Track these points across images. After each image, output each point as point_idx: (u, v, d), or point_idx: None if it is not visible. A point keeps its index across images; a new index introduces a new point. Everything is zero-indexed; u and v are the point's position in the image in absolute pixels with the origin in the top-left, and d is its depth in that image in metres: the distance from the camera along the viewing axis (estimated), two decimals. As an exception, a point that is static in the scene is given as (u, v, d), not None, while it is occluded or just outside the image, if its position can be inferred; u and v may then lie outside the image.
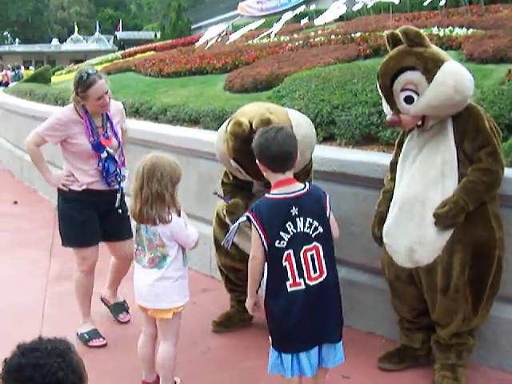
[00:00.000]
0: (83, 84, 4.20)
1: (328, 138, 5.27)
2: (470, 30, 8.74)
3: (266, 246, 3.02)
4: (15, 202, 9.06)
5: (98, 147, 4.30)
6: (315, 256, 3.06)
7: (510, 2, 12.07)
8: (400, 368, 3.94)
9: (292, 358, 3.10)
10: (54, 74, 17.70)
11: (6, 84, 22.30)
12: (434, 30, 9.00)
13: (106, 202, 4.42)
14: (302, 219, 3.02)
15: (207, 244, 5.69)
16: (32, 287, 5.56)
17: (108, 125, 4.42)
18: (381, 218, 3.84)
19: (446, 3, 11.64)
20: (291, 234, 3.01)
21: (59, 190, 4.42)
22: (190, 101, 7.87)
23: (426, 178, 3.57)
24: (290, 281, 3.03)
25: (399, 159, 3.78)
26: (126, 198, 4.35)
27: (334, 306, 3.17)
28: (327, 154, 4.62)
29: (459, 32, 8.66)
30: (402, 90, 3.52)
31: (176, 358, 3.63)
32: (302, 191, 3.08)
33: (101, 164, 4.31)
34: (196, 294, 5.29)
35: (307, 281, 3.04)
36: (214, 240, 4.53)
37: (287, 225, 3.00)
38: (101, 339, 4.42)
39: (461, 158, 3.52)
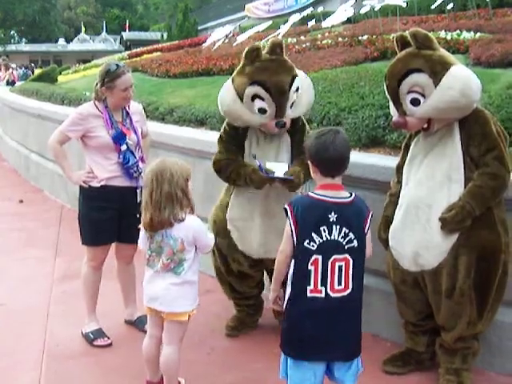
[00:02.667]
0: (112, 74, 4.28)
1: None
2: (478, 34, 8.74)
3: (295, 243, 2.97)
4: (21, 201, 9.07)
5: (118, 138, 4.33)
6: (344, 268, 2.96)
7: (517, 7, 12.05)
8: (404, 371, 3.93)
9: (298, 364, 3.03)
10: (60, 73, 17.74)
11: (13, 83, 22.34)
12: (442, 34, 9.00)
13: (126, 200, 4.40)
14: (338, 227, 2.94)
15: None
16: (37, 286, 5.56)
17: (128, 120, 4.47)
18: (387, 221, 3.83)
19: (453, 7, 11.66)
20: (324, 239, 2.93)
21: (81, 188, 4.45)
22: (196, 102, 7.88)
23: (432, 181, 3.56)
24: (311, 286, 2.95)
25: (406, 162, 3.77)
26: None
27: (352, 324, 3.06)
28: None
29: (467, 36, 8.66)
30: (409, 92, 3.52)
31: (179, 362, 3.63)
32: (346, 199, 3.00)
33: (121, 156, 4.34)
34: (200, 295, 5.26)
35: (329, 291, 2.95)
36: (216, 247, 4.34)
37: (321, 228, 2.93)
38: (106, 339, 4.42)
39: (467, 162, 3.51)
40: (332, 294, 2.95)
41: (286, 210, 3.00)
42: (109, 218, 4.36)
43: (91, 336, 4.44)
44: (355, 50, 9.15)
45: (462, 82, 3.42)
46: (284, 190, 3.98)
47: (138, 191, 4.41)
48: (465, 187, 3.49)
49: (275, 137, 4.11)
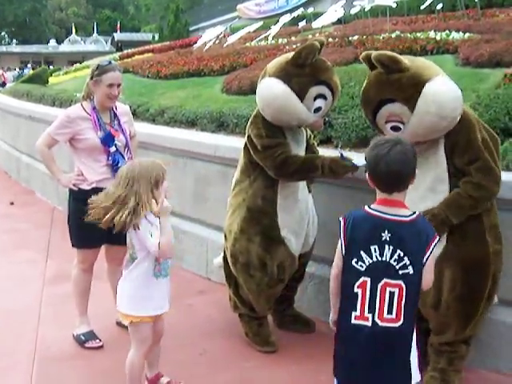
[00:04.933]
0: (101, 68, 4.32)
1: (325, 141, 5.28)
2: (467, 34, 8.79)
3: (343, 260, 2.74)
4: (12, 203, 9.05)
5: (106, 140, 4.33)
6: (396, 296, 2.65)
7: (506, 7, 12.12)
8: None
9: None
10: (51, 75, 17.69)
11: (3, 84, 22.30)
12: (431, 34, 9.04)
13: None
14: (391, 248, 2.64)
15: (204, 246, 5.73)
16: (28, 288, 5.55)
17: (116, 122, 4.47)
18: None
19: (442, 7, 11.70)
20: (374, 259, 2.66)
21: (70, 191, 4.45)
22: (187, 103, 7.89)
23: (415, 193, 3.51)
24: (357, 312, 2.68)
25: None
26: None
27: (400, 361, 2.73)
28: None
29: (456, 36, 8.71)
30: (387, 121, 3.48)
31: (142, 367, 3.58)
32: (404, 218, 2.69)
33: (110, 158, 4.34)
34: (192, 296, 5.32)
35: (376, 319, 2.65)
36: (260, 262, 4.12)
37: (372, 247, 2.66)
38: (97, 341, 4.42)
39: (451, 171, 3.47)
40: (380, 323, 2.66)
41: (339, 222, 2.76)
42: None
43: (82, 338, 4.44)
44: (345, 50, 9.16)
45: (437, 104, 3.30)
46: None
47: None
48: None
49: (300, 135, 4.15)
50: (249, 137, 4.06)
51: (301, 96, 3.82)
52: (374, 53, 3.47)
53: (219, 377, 3.99)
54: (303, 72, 3.84)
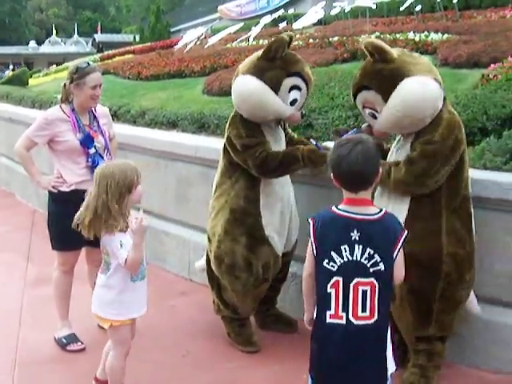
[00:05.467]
0: (82, 71, 4.29)
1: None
2: (445, 35, 8.88)
3: (315, 261, 2.74)
4: (-8, 206, 9.00)
5: (86, 142, 4.32)
6: (369, 294, 2.66)
7: (483, 9, 12.24)
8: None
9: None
10: (31, 76, 17.59)
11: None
12: (410, 35, 9.13)
13: None
14: (361, 247, 2.65)
15: (185, 247, 5.73)
16: (9, 291, 5.52)
17: (95, 123, 4.46)
18: None
19: (421, 9, 11.79)
20: (345, 259, 2.66)
21: (49, 193, 4.43)
22: (168, 104, 7.89)
23: (380, 199, 3.59)
24: (332, 311, 2.69)
25: None
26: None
27: (376, 357, 2.74)
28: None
29: (434, 37, 8.80)
30: (364, 107, 3.59)
31: (123, 368, 3.55)
32: (372, 217, 2.69)
33: (90, 160, 4.33)
34: (175, 298, 5.32)
35: (351, 317, 2.66)
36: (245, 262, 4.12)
37: (342, 247, 2.66)
38: (79, 343, 4.40)
39: None
40: (355, 321, 2.66)
41: (309, 223, 2.77)
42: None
43: (64, 341, 4.42)
44: (326, 51, 9.22)
45: (404, 100, 3.35)
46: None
47: None
48: (412, 201, 3.50)
49: (279, 134, 4.17)
50: (228, 138, 4.07)
51: (275, 89, 3.86)
52: (366, 39, 3.54)
53: (202, 378, 4.00)
54: (275, 65, 3.89)
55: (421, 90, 3.36)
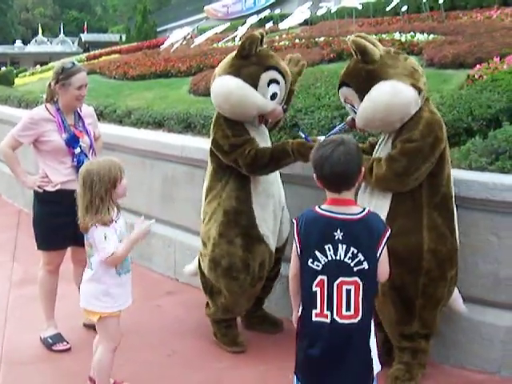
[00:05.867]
0: (67, 71, 4.27)
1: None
2: (431, 36, 8.93)
3: (300, 261, 2.76)
4: (-23, 206, 8.94)
5: (71, 142, 4.30)
6: (353, 293, 2.67)
7: (469, 9, 12.31)
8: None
9: None
10: (17, 76, 17.50)
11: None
12: (396, 36, 9.17)
13: None
14: (344, 246, 2.66)
15: (171, 247, 5.72)
16: (-6, 291, 5.50)
17: (80, 123, 4.44)
18: None
19: (407, 9, 11.83)
20: (329, 258, 2.66)
21: (35, 193, 4.41)
22: (154, 104, 7.88)
23: (363, 195, 3.62)
24: (317, 310, 2.71)
25: None
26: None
27: (361, 356, 2.76)
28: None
29: (420, 37, 8.84)
30: (345, 101, 3.70)
31: (111, 363, 3.57)
32: (355, 216, 2.70)
33: (75, 159, 4.32)
34: (160, 297, 5.31)
35: (335, 316, 2.68)
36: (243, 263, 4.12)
37: (326, 247, 2.66)
38: (64, 343, 4.39)
39: None
40: (339, 320, 2.68)
41: (293, 223, 2.80)
42: (64, 222, 4.32)
43: (50, 341, 4.41)
44: (312, 51, 9.24)
45: (374, 102, 3.43)
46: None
47: None
48: (393, 198, 3.52)
49: (263, 128, 4.19)
50: (214, 141, 4.07)
51: (254, 85, 3.91)
52: (353, 37, 3.56)
53: (188, 378, 4.00)
54: (250, 62, 3.94)
55: (390, 94, 3.41)
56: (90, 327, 4.63)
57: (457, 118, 4.60)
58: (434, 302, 3.64)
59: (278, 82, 3.98)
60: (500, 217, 3.74)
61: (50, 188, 4.32)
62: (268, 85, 3.94)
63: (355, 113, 3.62)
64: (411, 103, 3.44)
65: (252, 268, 4.10)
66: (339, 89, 3.68)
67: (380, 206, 3.51)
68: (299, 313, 2.84)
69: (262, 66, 3.94)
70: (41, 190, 4.34)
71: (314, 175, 2.77)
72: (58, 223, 4.31)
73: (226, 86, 3.94)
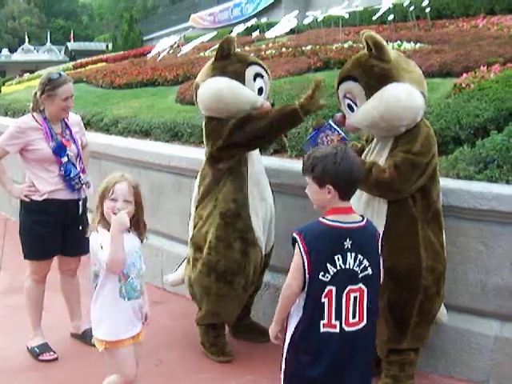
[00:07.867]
0: (54, 82, 4.24)
1: (279, 150, 5.31)
2: (418, 45, 8.94)
3: (308, 276, 2.64)
4: (-38, 215, 8.87)
5: (58, 151, 4.28)
6: (358, 299, 2.68)
7: (455, 18, 12.36)
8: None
9: None
10: (3, 84, 17.43)
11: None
12: (383, 44, 9.15)
13: (68, 213, 4.37)
14: (353, 254, 2.65)
15: (158, 256, 5.70)
16: (-20, 301, 5.44)
17: (67, 132, 4.42)
18: None
19: (394, 18, 11.86)
20: (338, 268, 2.63)
21: (22, 202, 4.39)
22: (141, 112, 7.85)
23: (359, 202, 3.57)
24: (325, 320, 2.66)
25: None
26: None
27: (365, 359, 2.80)
28: (278, 166, 4.66)
29: (407, 46, 8.86)
30: (344, 96, 3.58)
31: None
32: (359, 224, 2.72)
33: (62, 168, 4.29)
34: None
35: (344, 325, 2.66)
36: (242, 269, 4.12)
37: (336, 257, 2.63)
38: (51, 353, 4.36)
39: None
40: (347, 328, 2.67)
41: (294, 238, 2.68)
42: (51, 231, 4.31)
43: (37, 351, 4.38)
44: (299, 60, 9.24)
45: (386, 105, 3.34)
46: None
47: (80, 203, 4.39)
48: (388, 215, 3.50)
49: None
50: (213, 148, 4.04)
51: (241, 80, 3.98)
52: (367, 32, 3.49)
53: (175, 387, 3.98)
54: (232, 61, 4.04)
55: (404, 98, 3.35)
56: (77, 337, 4.61)
57: (444, 127, 4.62)
58: (430, 318, 3.64)
59: (262, 76, 4.09)
60: (488, 226, 3.75)
61: (36, 197, 4.29)
62: (254, 79, 4.03)
63: (351, 110, 3.54)
64: (420, 111, 3.42)
65: (247, 271, 4.09)
66: (342, 82, 3.56)
67: (376, 224, 3.42)
68: (293, 327, 2.76)
69: (244, 63, 4.05)
70: (28, 200, 4.30)
71: (332, 183, 2.67)
72: (45, 232, 4.29)
73: (215, 87, 3.97)
